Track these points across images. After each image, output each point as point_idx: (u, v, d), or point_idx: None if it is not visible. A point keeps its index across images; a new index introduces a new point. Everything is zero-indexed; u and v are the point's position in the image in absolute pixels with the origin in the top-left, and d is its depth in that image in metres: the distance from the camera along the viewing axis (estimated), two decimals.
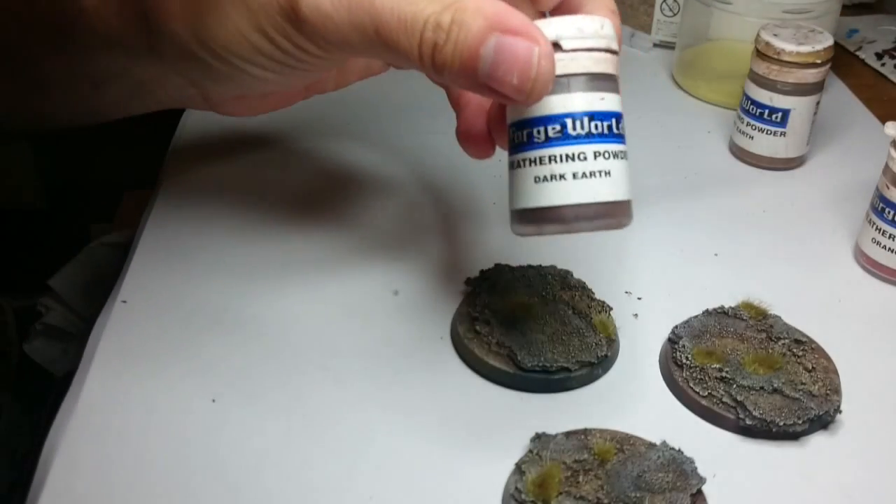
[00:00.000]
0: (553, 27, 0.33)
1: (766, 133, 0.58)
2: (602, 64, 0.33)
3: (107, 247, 0.82)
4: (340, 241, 0.51)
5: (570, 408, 0.41)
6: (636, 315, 0.47)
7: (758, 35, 0.57)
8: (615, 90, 0.34)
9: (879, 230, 0.49)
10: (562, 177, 0.33)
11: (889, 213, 0.48)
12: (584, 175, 0.33)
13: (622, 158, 0.34)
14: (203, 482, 0.36)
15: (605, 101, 0.33)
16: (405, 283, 0.48)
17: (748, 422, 0.39)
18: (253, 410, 0.40)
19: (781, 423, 0.39)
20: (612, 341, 0.43)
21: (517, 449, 0.38)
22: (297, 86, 0.44)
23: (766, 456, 0.39)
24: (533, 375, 0.41)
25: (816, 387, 0.40)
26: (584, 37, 0.33)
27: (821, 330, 0.44)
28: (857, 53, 0.78)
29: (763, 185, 0.59)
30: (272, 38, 0.34)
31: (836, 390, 0.41)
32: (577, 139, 0.33)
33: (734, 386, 0.40)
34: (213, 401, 0.40)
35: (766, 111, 0.58)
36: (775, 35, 0.56)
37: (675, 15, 0.74)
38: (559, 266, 0.47)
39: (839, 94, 0.71)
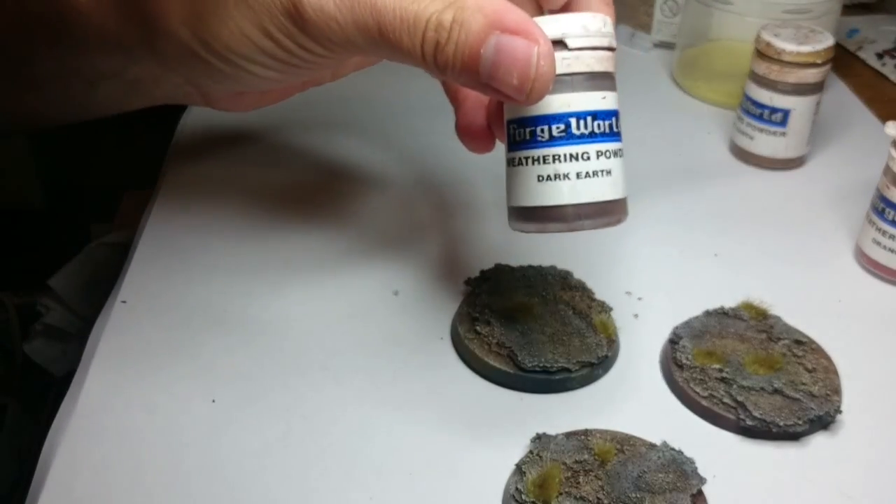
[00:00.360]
0: (558, 25, 0.33)
1: (767, 133, 0.58)
2: (604, 62, 0.34)
3: (107, 247, 0.82)
4: (340, 242, 0.51)
5: (570, 408, 0.41)
6: (636, 315, 0.47)
7: (758, 35, 0.57)
8: (614, 88, 0.34)
9: (880, 230, 0.49)
10: (565, 176, 0.33)
11: (889, 213, 0.48)
12: (586, 175, 0.33)
13: (620, 156, 0.34)
14: (203, 482, 0.36)
15: (607, 100, 0.34)
16: (405, 283, 0.48)
17: (748, 422, 0.39)
18: (253, 411, 0.40)
19: (782, 424, 0.39)
20: (612, 342, 0.43)
21: (517, 449, 0.38)
22: (297, 82, 0.44)
23: (767, 456, 0.39)
24: (533, 376, 0.41)
25: (817, 387, 0.40)
26: (589, 35, 0.33)
27: (821, 330, 0.44)
28: (858, 53, 0.78)
29: (763, 185, 0.59)
30: (275, 37, 0.34)
31: (837, 390, 0.41)
32: (581, 139, 0.33)
33: (734, 386, 0.40)
34: (213, 401, 0.40)
35: (767, 111, 0.58)
36: (776, 35, 0.56)
37: (675, 15, 0.74)
38: (559, 266, 0.47)
39: (839, 94, 0.71)
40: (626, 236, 0.52)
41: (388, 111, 0.65)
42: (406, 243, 0.51)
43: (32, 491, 0.36)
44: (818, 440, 0.40)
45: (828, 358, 0.43)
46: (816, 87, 0.57)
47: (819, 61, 0.56)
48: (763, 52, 0.56)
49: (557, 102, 0.33)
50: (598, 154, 0.33)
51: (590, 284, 0.46)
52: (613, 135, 0.34)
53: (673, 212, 0.55)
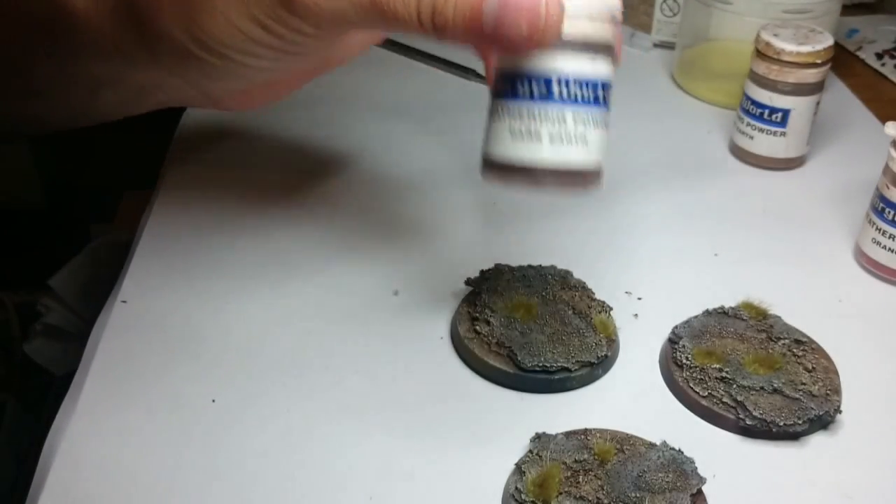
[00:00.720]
0: None
1: (766, 133, 0.58)
2: (600, 30, 0.33)
3: (107, 247, 0.82)
4: (341, 242, 0.51)
5: (570, 408, 0.41)
6: (636, 315, 0.47)
7: (758, 35, 0.57)
8: (609, 59, 0.34)
9: (879, 230, 0.49)
10: (537, 136, 0.33)
11: (889, 213, 0.48)
12: (559, 139, 0.33)
13: (601, 127, 0.34)
14: (203, 482, 0.36)
15: (596, 68, 0.33)
16: (405, 283, 0.48)
17: (748, 422, 0.39)
18: (252, 410, 0.40)
19: (781, 423, 0.39)
20: (612, 341, 0.43)
21: (517, 449, 0.38)
22: (298, 70, 0.43)
23: (766, 456, 0.39)
24: (533, 375, 0.41)
25: (816, 387, 0.40)
26: (589, 0, 0.32)
27: (821, 330, 0.44)
28: (857, 53, 0.78)
29: (763, 185, 0.59)
30: (265, 24, 0.34)
31: (836, 390, 0.41)
32: (561, 100, 0.33)
33: (734, 386, 0.40)
34: (213, 401, 0.40)
35: (766, 111, 0.58)
36: (775, 35, 0.56)
37: (675, 15, 0.74)
38: (559, 266, 0.47)
39: (839, 94, 0.71)
40: (626, 236, 0.52)
41: (389, 112, 0.65)
42: (406, 243, 0.51)
43: (32, 491, 0.36)
44: (818, 440, 0.40)
45: (828, 358, 0.43)
46: (816, 87, 0.57)
47: (819, 61, 0.56)
48: (763, 52, 0.56)
49: (544, 61, 0.32)
50: (576, 120, 0.33)
51: (590, 284, 0.46)
52: (597, 103, 0.33)
53: (673, 212, 0.55)
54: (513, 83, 0.33)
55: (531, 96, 0.33)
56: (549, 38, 0.31)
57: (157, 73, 0.39)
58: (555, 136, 0.33)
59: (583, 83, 0.33)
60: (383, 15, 0.32)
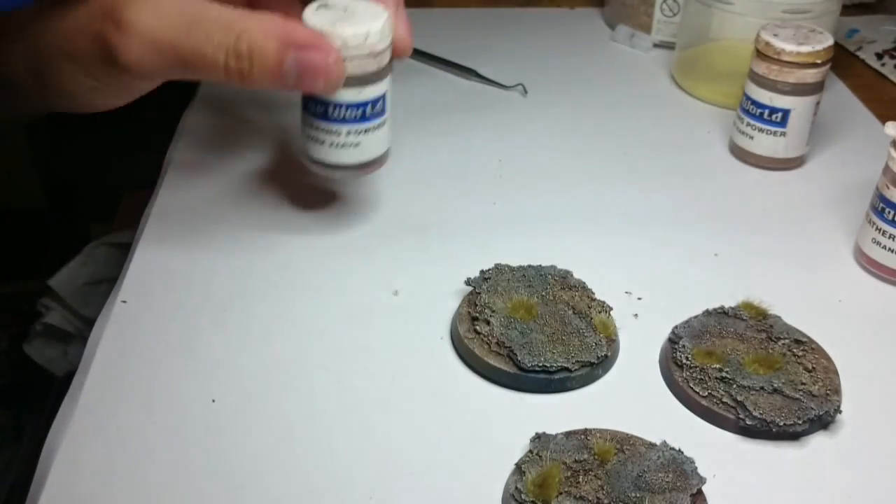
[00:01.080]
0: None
1: (766, 133, 0.58)
2: (363, 66, 0.42)
3: (107, 247, 0.82)
4: (340, 241, 0.51)
5: (570, 408, 0.41)
6: (636, 315, 0.47)
7: (758, 35, 0.57)
8: (377, 81, 0.43)
9: (879, 230, 0.49)
10: (322, 143, 0.45)
11: (889, 213, 0.48)
12: (337, 145, 0.45)
13: (373, 131, 0.45)
14: (203, 482, 0.36)
15: (362, 94, 0.43)
16: (405, 283, 0.48)
17: (748, 422, 0.39)
18: (253, 410, 0.40)
19: (781, 423, 0.39)
20: (612, 341, 0.43)
21: (517, 449, 0.38)
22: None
23: (766, 456, 0.39)
24: (533, 375, 0.41)
25: (816, 387, 0.40)
26: (348, 47, 0.41)
27: (821, 330, 0.44)
28: (857, 53, 0.78)
29: (763, 185, 0.59)
30: (101, 79, 0.40)
31: (836, 390, 0.41)
32: (334, 120, 0.44)
33: (734, 386, 0.40)
34: (213, 401, 0.40)
35: (766, 111, 0.58)
36: (775, 35, 0.56)
37: (675, 15, 0.74)
38: (559, 266, 0.47)
39: (839, 94, 0.71)
40: (626, 236, 0.53)
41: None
42: (406, 243, 0.51)
43: (32, 491, 0.36)
44: (818, 440, 0.40)
45: (827, 358, 0.43)
46: (816, 87, 0.57)
47: (818, 61, 0.56)
48: (763, 52, 0.56)
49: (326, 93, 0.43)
50: (348, 133, 0.44)
51: (590, 284, 0.46)
52: (366, 118, 0.44)
53: (673, 212, 0.55)
54: (307, 102, 0.44)
55: (316, 115, 0.44)
56: (333, 87, 0.41)
57: (14, 102, 0.45)
58: (334, 144, 0.45)
59: (351, 107, 0.43)
60: (201, 75, 0.40)
